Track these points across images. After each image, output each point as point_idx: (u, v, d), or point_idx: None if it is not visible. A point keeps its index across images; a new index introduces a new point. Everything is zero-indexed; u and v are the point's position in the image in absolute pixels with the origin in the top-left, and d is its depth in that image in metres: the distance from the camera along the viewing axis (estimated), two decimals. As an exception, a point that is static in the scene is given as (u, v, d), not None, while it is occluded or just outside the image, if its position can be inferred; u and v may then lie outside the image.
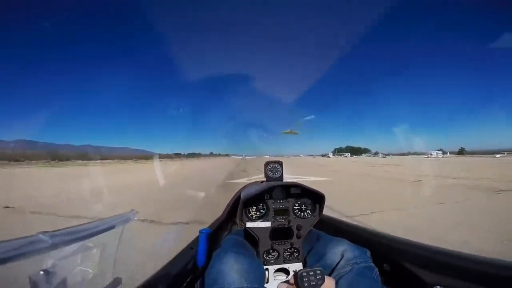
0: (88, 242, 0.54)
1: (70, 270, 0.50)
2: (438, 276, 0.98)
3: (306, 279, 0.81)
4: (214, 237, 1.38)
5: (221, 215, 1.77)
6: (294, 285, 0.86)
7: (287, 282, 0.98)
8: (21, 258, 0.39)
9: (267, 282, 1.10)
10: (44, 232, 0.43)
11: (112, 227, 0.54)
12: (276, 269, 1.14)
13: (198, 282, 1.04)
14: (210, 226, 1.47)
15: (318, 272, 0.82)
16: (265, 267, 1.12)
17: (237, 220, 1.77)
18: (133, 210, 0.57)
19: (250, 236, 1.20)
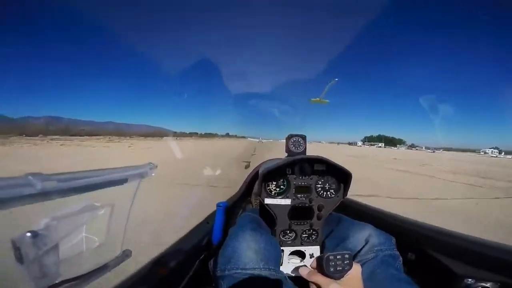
0: (94, 200, 0.42)
1: (68, 233, 0.38)
2: (471, 268, 0.90)
3: (333, 263, 0.72)
4: (230, 213, 1.32)
5: (238, 191, 1.69)
6: (316, 269, 0.76)
7: (305, 266, 0.89)
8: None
9: (281, 265, 1.03)
10: (34, 174, 0.30)
11: (124, 181, 0.40)
12: (291, 251, 1.07)
13: (212, 259, 0.97)
14: (227, 201, 1.40)
15: (347, 256, 0.72)
16: (281, 248, 1.05)
17: (252, 198, 1.69)
18: (151, 163, 0.43)
19: (267, 215, 1.12)
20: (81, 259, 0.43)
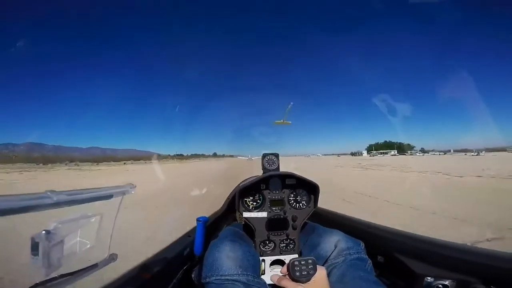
0: (88, 212, 0.58)
1: (69, 235, 0.54)
2: (430, 267, 0.99)
3: (298, 268, 0.83)
4: (213, 228, 1.42)
5: (221, 208, 1.81)
6: (287, 275, 0.87)
7: (276, 274, 1.00)
8: (27, 211, 0.43)
9: (264, 274, 1.13)
10: (52, 191, 0.47)
11: (110, 196, 0.57)
12: (272, 260, 1.16)
13: (195, 269, 1.07)
14: (209, 217, 1.51)
15: (310, 261, 0.84)
16: (261, 258, 1.16)
17: (237, 214, 1.81)
18: (131, 184, 0.61)
19: (249, 228, 1.24)
20: (76, 258, 0.58)
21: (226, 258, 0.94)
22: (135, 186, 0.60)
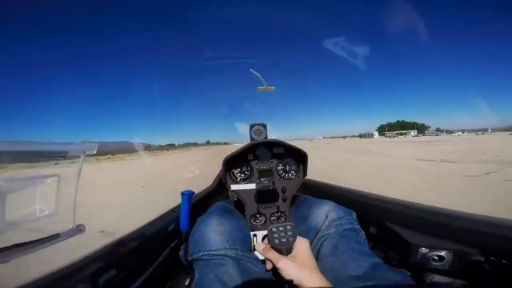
0: (43, 172, 0.50)
1: (19, 198, 0.46)
2: (425, 237, 0.94)
3: (277, 235, 0.78)
4: (204, 206, 1.37)
5: (212, 184, 1.76)
6: (269, 245, 0.83)
7: (261, 242, 0.96)
8: None
9: (256, 249, 1.08)
10: None
11: (65, 153, 0.49)
12: (264, 234, 1.12)
13: (182, 246, 1.03)
14: (199, 194, 1.45)
15: (289, 227, 0.78)
16: (253, 232, 1.12)
17: (229, 191, 1.78)
18: (93, 141, 0.52)
19: (240, 204, 1.20)
20: (32, 226, 0.50)
21: (213, 232, 0.90)
22: (97, 143, 0.51)
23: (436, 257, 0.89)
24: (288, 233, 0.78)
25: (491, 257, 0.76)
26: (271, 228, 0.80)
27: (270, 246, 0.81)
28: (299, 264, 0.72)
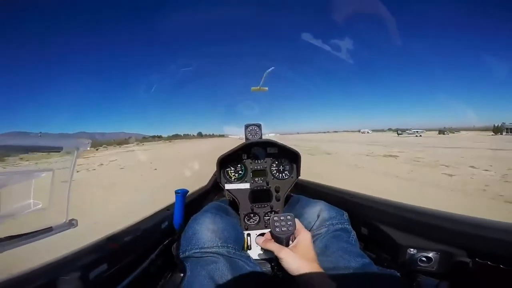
0: (37, 167, 0.51)
1: (13, 192, 0.47)
2: (413, 238, 0.96)
3: (278, 224, 0.80)
4: (198, 205, 1.38)
5: (207, 183, 1.77)
6: (271, 237, 0.86)
7: (262, 235, 0.97)
8: None
9: (250, 249, 1.11)
10: None
11: (59, 149, 0.50)
12: (258, 234, 1.13)
13: (175, 244, 1.04)
14: (194, 193, 1.46)
15: (289, 217, 0.81)
16: (247, 232, 1.14)
17: (225, 190, 1.79)
18: (87, 139, 0.54)
19: (234, 203, 1.21)
20: (25, 219, 0.51)
21: (206, 230, 0.91)
22: (91, 140, 0.52)
23: (424, 258, 0.91)
24: (288, 223, 0.80)
25: (477, 259, 0.77)
26: (273, 217, 0.82)
27: (270, 233, 0.84)
28: (300, 255, 0.74)
